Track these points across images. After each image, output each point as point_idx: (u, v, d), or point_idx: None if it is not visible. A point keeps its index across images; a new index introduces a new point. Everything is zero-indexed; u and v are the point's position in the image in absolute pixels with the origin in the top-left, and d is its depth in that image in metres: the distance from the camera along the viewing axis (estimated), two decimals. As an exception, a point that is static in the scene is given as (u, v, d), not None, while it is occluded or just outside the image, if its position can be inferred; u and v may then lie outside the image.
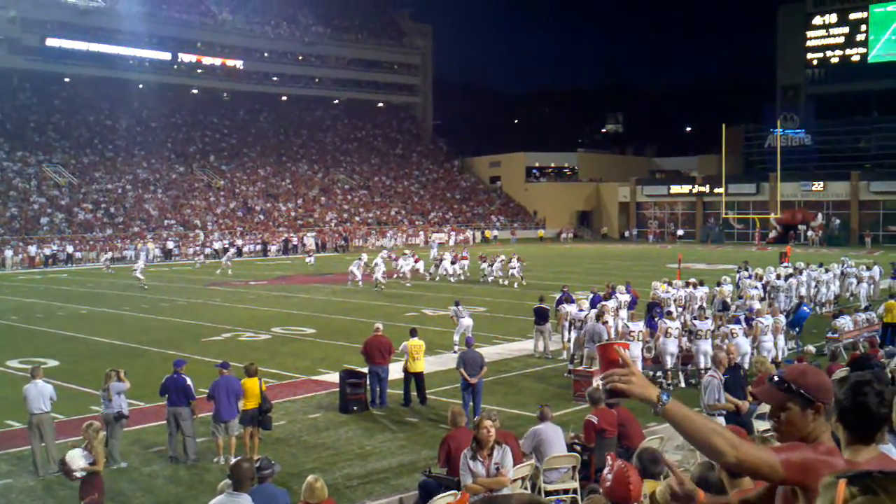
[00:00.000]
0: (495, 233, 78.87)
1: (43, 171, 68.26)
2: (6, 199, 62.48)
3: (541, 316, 20.88)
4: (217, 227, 67.80)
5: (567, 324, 20.18)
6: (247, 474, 6.82)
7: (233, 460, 12.28)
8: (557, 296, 23.30)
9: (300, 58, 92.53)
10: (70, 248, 56.41)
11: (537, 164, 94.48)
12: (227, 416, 12.58)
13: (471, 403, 14.57)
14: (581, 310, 19.83)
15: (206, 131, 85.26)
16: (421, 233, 74.77)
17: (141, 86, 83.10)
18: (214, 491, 10.95)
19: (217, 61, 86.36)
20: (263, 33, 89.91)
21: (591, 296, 23.37)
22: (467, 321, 20.66)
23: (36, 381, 12.54)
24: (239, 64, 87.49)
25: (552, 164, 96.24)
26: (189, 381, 12.82)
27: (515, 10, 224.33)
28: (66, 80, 79.29)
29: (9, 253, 53.46)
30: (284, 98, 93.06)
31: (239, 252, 61.09)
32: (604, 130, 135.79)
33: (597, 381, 15.70)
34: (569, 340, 19.82)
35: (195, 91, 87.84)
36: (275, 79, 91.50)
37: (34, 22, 73.85)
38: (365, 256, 40.53)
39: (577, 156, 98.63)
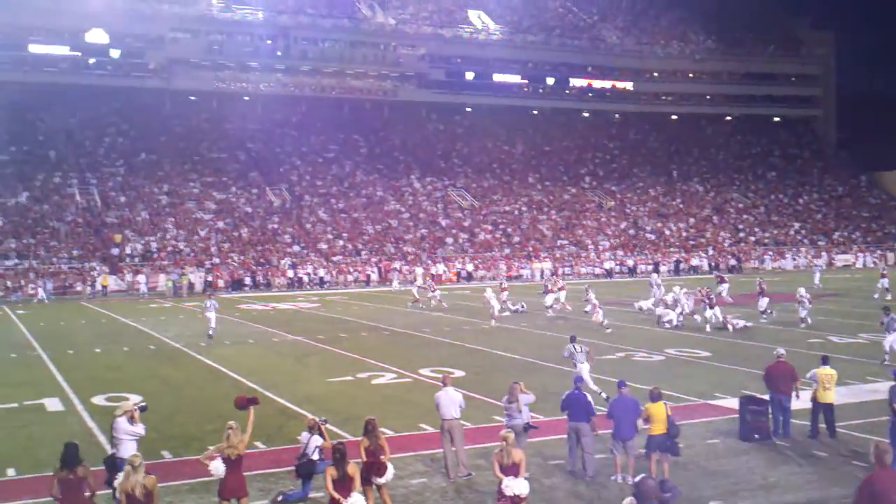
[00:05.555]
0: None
1: (448, 195, 73.75)
2: (417, 221, 68.36)
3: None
4: (610, 246, 68.73)
5: None
6: (651, 493, 6.68)
7: (630, 479, 12.23)
8: None
9: (691, 75, 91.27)
10: (470, 267, 60.30)
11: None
12: (627, 434, 12.51)
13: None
14: None
15: (596, 153, 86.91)
16: (823, 254, 69.94)
17: (535, 112, 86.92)
18: (614, 509, 11.02)
19: (607, 84, 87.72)
20: (653, 53, 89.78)
21: None
22: (584, 367, 18.27)
23: (447, 389, 13.29)
24: (629, 85, 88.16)
25: None
26: (589, 398, 12.95)
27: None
28: (468, 109, 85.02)
29: (419, 270, 58.27)
30: (674, 117, 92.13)
31: (632, 272, 61.47)
32: None
33: None
34: None
35: (586, 114, 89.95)
36: (665, 98, 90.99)
37: (440, 57, 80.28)
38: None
39: None
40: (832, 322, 31.14)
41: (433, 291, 40.96)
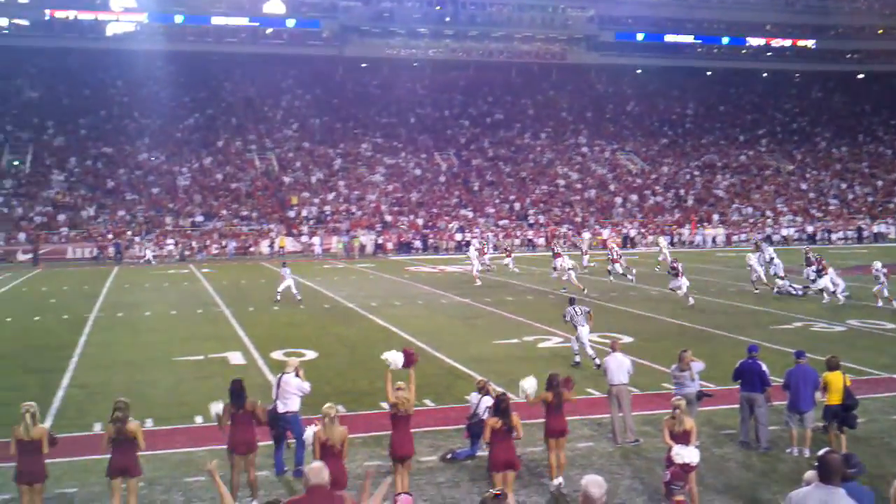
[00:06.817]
0: None
1: (617, 158, 72.55)
2: (585, 185, 67.60)
3: None
4: (790, 211, 65.80)
5: None
6: (836, 467, 6.36)
7: (806, 452, 11.77)
8: None
9: (880, 31, 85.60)
10: (633, 232, 59.19)
11: None
12: (805, 406, 12.00)
13: None
14: None
15: (775, 114, 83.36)
16: None
17: (709, 73, 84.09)
18: (787, 481, 10.61)
19: (787, 42, 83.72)
20: (838, 9, 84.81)
21: None
22: (584, 329, 18.10)
23: (615, 354, 13.21)
24: (810, 43, 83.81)
25: None
26: (764, 368, 12.50)
27: None
28: (638, 71, 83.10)
29: (586, 235, 57.68)
30: (861, 76, 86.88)
31: (812, 239, 58.73)
32: None
33: None
34: None
35: (765, 74, 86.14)
36: (850, 56, 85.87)
37: (608, 19, 78.68)
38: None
39: None
40: None
41: (486, 259, 40.29)
